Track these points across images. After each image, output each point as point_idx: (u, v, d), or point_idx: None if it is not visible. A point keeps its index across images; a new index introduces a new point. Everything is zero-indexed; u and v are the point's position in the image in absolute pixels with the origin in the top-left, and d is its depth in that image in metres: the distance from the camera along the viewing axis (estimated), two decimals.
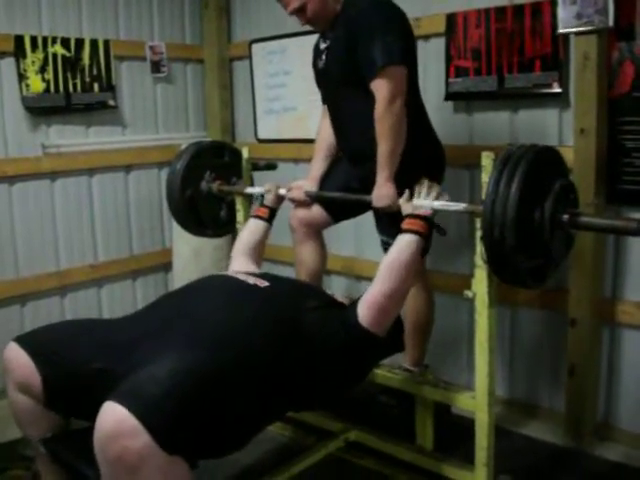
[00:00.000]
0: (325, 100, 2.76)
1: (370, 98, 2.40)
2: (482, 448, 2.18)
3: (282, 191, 2.73)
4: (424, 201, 2.16)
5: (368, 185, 2.46)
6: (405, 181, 2.31)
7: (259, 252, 2.62)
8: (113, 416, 1.48)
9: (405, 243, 2.09)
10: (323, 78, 2.69)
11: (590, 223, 1.97)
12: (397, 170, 2.42)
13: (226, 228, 3.10)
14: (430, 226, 2.16)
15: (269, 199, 2.71)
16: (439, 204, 2.15)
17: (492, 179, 1.89)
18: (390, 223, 2.45)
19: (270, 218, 2.70)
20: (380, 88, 2.37)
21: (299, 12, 2.56)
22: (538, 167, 1.90)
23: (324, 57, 2.62)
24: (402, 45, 2.39)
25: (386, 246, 2.53)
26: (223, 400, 1.66)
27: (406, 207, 2.20)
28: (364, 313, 2.00)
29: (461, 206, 2.11)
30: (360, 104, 2.47)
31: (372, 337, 2.01)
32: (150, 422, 1.47)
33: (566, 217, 1.93)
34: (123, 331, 1.90)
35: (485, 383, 2.15)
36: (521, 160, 1.87)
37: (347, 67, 2.48)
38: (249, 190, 2.87)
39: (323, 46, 2.63)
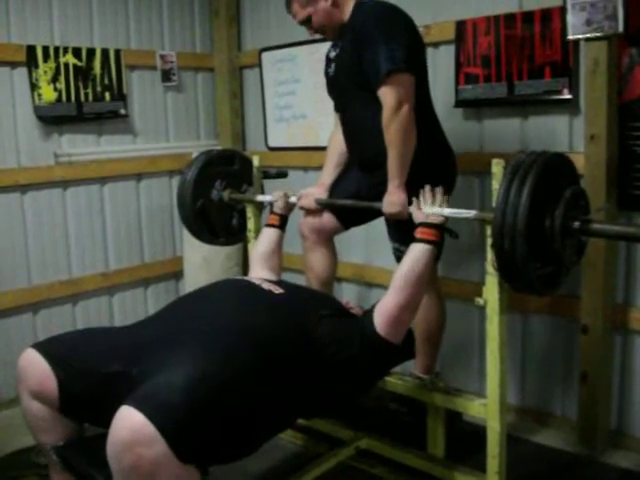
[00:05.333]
0: (336, 108, 2.77)
1: (379, 105, 2.40)
2: (494, 456, 2.17)
3: (293, 199, 2.73)
4: (435, 208, 2.18)
5: (378, 192, 2.46)
6: (417, 189, 2.30)
7: (275, 260, 2.60)
8: (130, 422, 1.48)
9: (419, 253, 2.10)
10: (333, 86, 2.70)
11: (601, 230, 1.96)
12: (409, 178, 2.42)
13: (238, 236, 3.10)
14: (442, 233, 2.17)
15: (278, 206, 2.71)
16: (450, 211, 2.16)
17: (502, 188, 1.89)
18: (401, 230, 2.45)
19: (281, 225, 2.69)
20: (386, 95, 2.37)
21: (306, 23, 2.62)
22: (548, 174, 1.89)
23: (333, 65, 2.64)
24: (407, 52, 2.38)
25: (398, 253, 2.53)
26: (237, 406, 1.67)
27: (417, 215, 2.21)
28: (380, 323, 2.03)
29: (472, 213, 2.12)
30: (369, 111, 2.47)
31: (389, 345, 2.04)
32: (167, 430, 1.48)
33: (577, 224, 1.92)
34: (139, 334, 1.92)
35: (497, 391, 2.14)
36: (531, 168, 1.87)
37: (355, 75, 2.49)
38: (260, 198, 2.88)
39: (333, 54, 2.65)
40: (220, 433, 1.63)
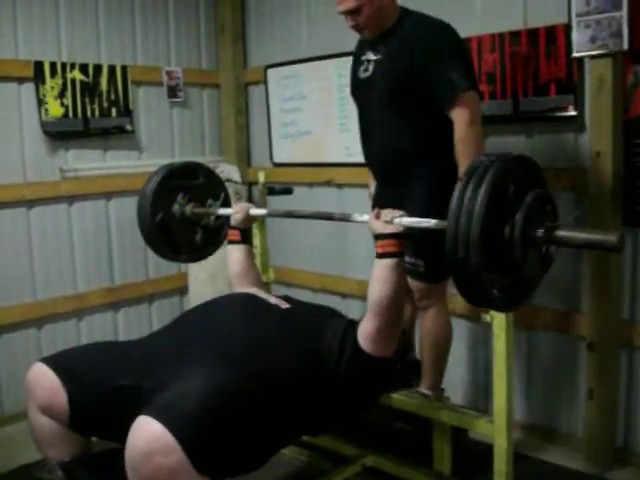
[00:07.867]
0: (359, 108, 2.68)
1: (409, 118, 2.39)
2: (501, 474, 2.16)
3: (253, 211, 2.55)
4: (395, 217, 2.03)
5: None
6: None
7: (252, 274, 2.52)
8: (148, 432, 1.50)
9: (387, 272, 2.01)
10: (364, 88, 2.60)
11: (567, 238, 1.74)
12: (441, 193, 2.36)
13: (202, 252, 2.88)
14: (403, 243, 2.04)
15: (235, 219, 2.53)
16: (409, 221, 2.02)
17: (456, 192, 1.71)
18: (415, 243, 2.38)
19: (244, 239, 2.54)
20: (461, 112, 2.33)
21: (352, 13, 2.47)
22: (508, 178, 1.72)
23: (371, 68, 2.54)
24: (473, 71, 2.40)
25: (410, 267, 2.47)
26: (250, 416, 1.70)
27: (376, 225, 2.06)
28: (364, 343, 2.02)
29: (431, 222, 1.96)
30: (400, 121, 2.44)
31: (375, 360, 2.03)
32: (185, 439, 1.49)
33: (540, 232, 1.73)
34: (149, 348, 1.93)
35: (504, 408, 2.13)
36: (488, 171, 1.68)
37: (397, 84, 2.42)
38: (221, 212, 2.71)
39: (373, 57, 2.55)
40: (234, 443, 1.64)
